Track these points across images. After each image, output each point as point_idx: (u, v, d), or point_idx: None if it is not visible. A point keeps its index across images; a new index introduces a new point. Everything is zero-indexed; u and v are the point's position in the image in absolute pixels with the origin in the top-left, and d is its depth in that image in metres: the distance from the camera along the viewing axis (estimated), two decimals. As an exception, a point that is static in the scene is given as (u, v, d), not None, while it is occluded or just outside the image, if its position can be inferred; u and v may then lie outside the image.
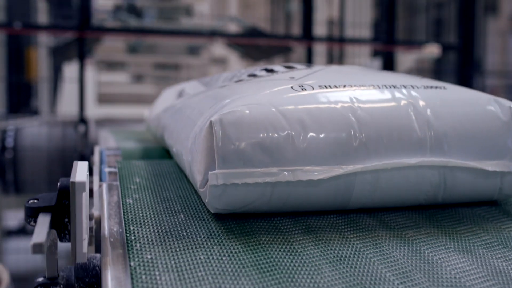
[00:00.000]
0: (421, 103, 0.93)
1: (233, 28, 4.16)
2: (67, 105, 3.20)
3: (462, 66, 3.28)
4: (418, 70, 3.85)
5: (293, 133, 0.84)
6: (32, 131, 2.88)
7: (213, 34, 2.97)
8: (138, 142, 1.62)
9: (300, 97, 0.88)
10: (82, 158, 2.45)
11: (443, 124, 0.92)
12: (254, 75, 1.04)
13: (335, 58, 4.29)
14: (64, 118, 4.11)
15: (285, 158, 0.83)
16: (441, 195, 0.94)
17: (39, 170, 2.80)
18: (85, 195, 0.72)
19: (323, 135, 0.85)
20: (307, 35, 3.01)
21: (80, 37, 2.73)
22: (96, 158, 1.27)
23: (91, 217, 0.91)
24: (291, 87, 0.91)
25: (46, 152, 2.81)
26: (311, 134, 0.84)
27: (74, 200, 0.70)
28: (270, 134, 0.83)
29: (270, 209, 0.86)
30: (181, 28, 2.93)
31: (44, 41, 5.92)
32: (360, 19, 3.79)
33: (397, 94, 0.94)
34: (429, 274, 0.75)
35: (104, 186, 0.97)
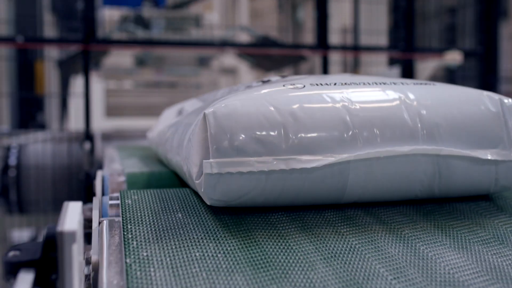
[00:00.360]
0: (411, 96, 0.96)
1: (243, 37, 4.04)
2: (76, 119, 3.07)
3: (485, 73, 3.13)
4: (432, 78, 3.71)
5: (285, 123, 0.86)
6: (36, 148, 2.76)
7: (223, 44, 2.84)
8: (143, 162, 1.54)
9: (291, 92, 0.92)
10: (88, 177, 2.32)
11: (434, 115, 0.94)
12: (249, 86, 1.08)
13: (349, 67, 4.15)
14: (70, 133, 3.99)
15: (278, 147, 0.85)
16: (436, 186, 0.95)
17: (44, 190, 2.67)
18: (77, 246, 0.58)
19: (315, 125, 0.87)
20: (322, 44, 2.87)
21: (84, 50, 2.61)
22: (98, 185, 1.13)
23: (87, 262, 0.78)
24: (283, 85, 0.95)
25: (50, 170, 2.68)
26: (303, 124, 0.86)
27: (63, 253, 0.56)
28: (263, 125, 0.85)
29: (266, 200, 0.87)
30: (190, 39, 2.80)
31: (52, 54, 5.83)
32: (376, 26, 3.64)
33: (387, 88, 0.97)
34: (423, 270, 0.75)
35: (105, 223, 0.84)
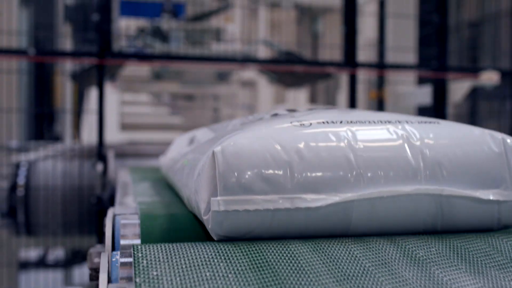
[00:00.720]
0: (415, 135, 0.99)
1: (264, 52, 3.88)
2: (89, 132, 2.92)
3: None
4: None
5: (291, 162, 0.89)
6: (46, 166, 2.62)
7: (246, 60, 2.68)
8: (159, 193, 1.41)
9: (298, 130, 0.95)
10: (100, 201, 2.17)
11: (437, 155, 0.97)
12: (260, 119, 1.12)
13: (372, 85, 3.98)
14: (82, 148, 3.85)
15: (283, 186, 0.88)
16: (439, 224, 0.97)
17: (53, 211, 2.52)
18: None
19: (320, 164, 0.90)
20: (351, 62, 2.71)
21: (99, 64, 2.47)
22: (108, 230, 0.97)
23: None
24: (291, 122, 0.98)
25: (61, 191, 2.53)
26: (308, 163, 0.89)
27: None
28: (269, 163, 0.88)
29: (272, 236, 0.90)
30: (211, 54, 2.65)
31: (66, 66, 5.73)
32: (403, 42, 3.47)
33: (391, 128, 1.00)
34: (438, 295, 0.71)
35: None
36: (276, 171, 0.88)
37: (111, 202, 2.13)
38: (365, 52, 4.35)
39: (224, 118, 5.59)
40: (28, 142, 6.57)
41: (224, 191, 0.86)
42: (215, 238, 0.88)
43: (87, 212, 2.49)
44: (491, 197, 0.97)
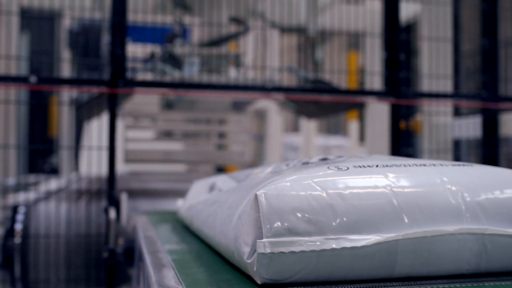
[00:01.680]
0: (452, 177, 1.01)
1: (284, 79, 3.57)
2: (89, 166, 2.59)
3: None
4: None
5: (334, 204, 0.91)
6: (48, 209, 2.27)
7: (275, 89, 2.37)
8: (194, 250, 1.20)
9: (337, 175, 0.97)
10: (113, 254, 1.82)
11: (476, 196, 0.99)
12: (292, 167, 1.18)
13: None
14: (90, 182, 3.51)
15: (328, 227, 0.90)
16: (483, 264, 0.98)
17: (55, 265, 2.17)
18: None
19: (363, 206, 0.92)
20: (393, 91, 2.40)
21: (111, 93, 2.15)
22: None
23: None
24: (327, 167, 1.01)
25: (64, 239, 2.19)
26: (351, 205, 0.92)
27: None
28: (312, 206, 0.90)
29: (317, 278, 0.90)
30: (232, 83, 2.33)
31: (66, 95, 5.41)
32: (439, 69, 3.16)
33: (429, 170, 1.03)
34: None
35: None
36: (319, 213, 0.90)
37: (127, 256, 1.79)
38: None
39: (230, 149, 5.27)
40: (25, 178, 6.23)
41: (269, 233, 0.87)
42: (259, 282, 0.88)
43: (95, 266, 2.15)
44: None
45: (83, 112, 3.01)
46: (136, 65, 4.31)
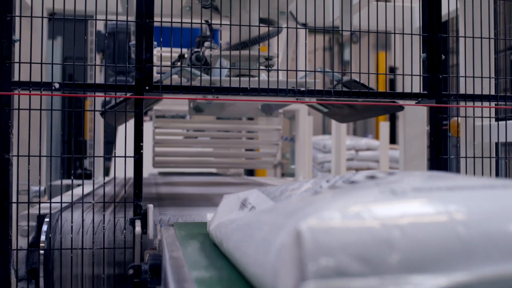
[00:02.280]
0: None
1: (314, 81, 3.44)
2: (121, 169, 2.51)
3: None
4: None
5: (391, 239, 0.74)
6: (76, 220, 2.20)
7: (308, 92, 2.26)
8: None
9: (392, 200, 0.81)
10: (138, 271, 1.73)
11: None
12: (333, 187, 1.03)
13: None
14: (119, 193, 3.44)
15: (384, 266, 0.72)
16: None
17: (80, 279, 2.09)
18: None
19: (425, 240, 0.74)
20: (434, 94, 2.26)
21: (137, 98, 2.06)
22: None
23: None
24: (378, 190, 0.86)
25: (88, 256, 2.11)
26: (412, 240, 0.74)
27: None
28: (366, 241, 0.73)
29: None
30: (262, 87, 2.23)
31: (99, 99, 5.38)
32: (481, 71, 2.99)
33: (501, 194, 0.84)
34: None
35: None
36: (374, 249, 0.73)
37: (153, 273, 1.69)
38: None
39: (261, 150, 5.17)
40: (57, 184, 6.22)
41: (315, 275, 0.72)
42: None
43: (123, 280, 2.06)
44: None
45: (109, 117, 2.93)
46: (163, 70, 4.24)
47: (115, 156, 2.17)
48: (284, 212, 0.91)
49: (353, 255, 0.73)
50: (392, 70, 11.66)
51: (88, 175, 6.97)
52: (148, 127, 4.83)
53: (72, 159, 2.50)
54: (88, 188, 3.46)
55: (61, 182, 2.20)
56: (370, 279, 0.72)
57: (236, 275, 1.08)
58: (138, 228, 1.85)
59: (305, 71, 2.41)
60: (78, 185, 4.04)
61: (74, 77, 2.15)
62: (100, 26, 5.81)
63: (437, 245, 0.75)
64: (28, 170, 2.03)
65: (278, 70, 2.42)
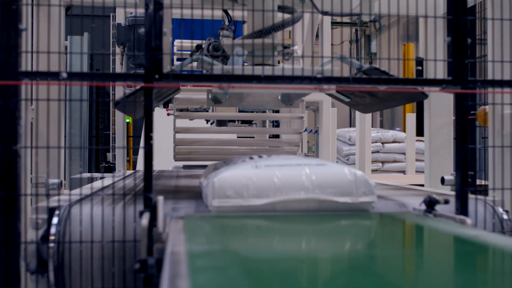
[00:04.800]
0: (309, 170, 2.10)
1: (334, 70, 3.32)
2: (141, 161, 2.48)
3: None
4: None
5: (246, 183, 2.02)
6: (87, 212, 2.14)
7: (326, 79, 2.16)
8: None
9: (251, 169, 2.10)
10: (144, 266, 1.66)
11: (318, 179, 2.08)
12: (243, 160, 2.32)
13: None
14: (135, 180, 3.40)
15: (243, 194, 2.01)
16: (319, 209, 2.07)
17: (92, 273, 2.04)
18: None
19: (260, 184, 2.05)
20: (459, 80, 2.13)
21: (147, 87, 1.99)
22: None
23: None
24: (250, 165, 2.13)
25: (100, 245, 2.05)
26: (254, 183, 2.03)
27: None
28: (236, 183, 2.03)
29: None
30: (278, 74, 2.13)
31: (120, 90, 5.34)
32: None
33: (298, 165, 2.13)
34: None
35: None
36: (240, 187, 2.03)
37: (159, 268, 1.62)
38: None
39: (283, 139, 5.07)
40: (76, 177, 6.22)
41: (218, 197, 2.03)
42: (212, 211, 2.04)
43: (133, 274, 2.00)
44: (347, 201, 2.09)
45: (123, 108, 2.86)
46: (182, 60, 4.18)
47: (128, 148, 2.10)
48: (215, 172, 2.27)
49: (232, 189, 2.00)
50: (421, 61, 11.42)
51: (112, 169, 6.96)
52: (171, 120, 4.77)
53: (93, 152, 2.44)
54: (109, 181, 3.42)
55: (80, 174, 2.14)
56: (237, 199, 1.99)
57: (234, 273, 1.03)
58: (144, 221, 1.78)
59: (321, 57, 2.31)
60: (101, 178, 4.01)
61: (93, 69, 2.08)
62: (121, 19, 5.77)
63: (265, 186, 2.01)
64: (47, 162, 1.98)
65: (293, 56, 2.31)
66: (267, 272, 1.14)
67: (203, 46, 3.37)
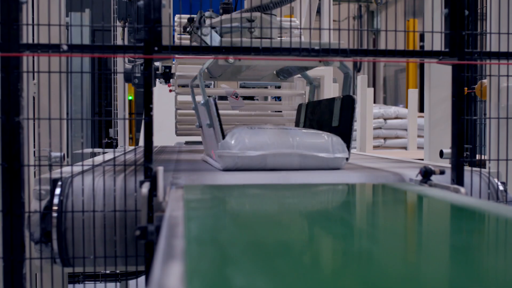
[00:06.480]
0: (294, 132, 2.54)
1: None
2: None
3: None
4: None
5: (244, 142, 2.45)
6: (89, 183, 2.18)
7: (324, 51, 2.18)
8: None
9: (249, 129, 2.52)
10: (144, 233, 1.71)
11: (303, 141, 2.49)
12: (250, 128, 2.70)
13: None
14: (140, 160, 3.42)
15: (244, 147, 2.42)
16: (302, 167, 2.49)
17: (93, 242, 2.09)
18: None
19: (256, 140, 2.46)
20: (456, 52, 2.15)
21: (146, 59, 2.02)
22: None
23: None
24: (247, 128, 2.53)
25: (101, 215, 2.10)
26: (251, 141, 2.44)
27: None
28: (238, 142, 2.44)
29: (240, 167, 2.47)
30: (284, 46, 2.15)
31: (120, 63, 5.35)
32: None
33: (286, 128, 2.60)
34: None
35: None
36: (241, 143, 2.44)
37: (159, 233, 1.66)
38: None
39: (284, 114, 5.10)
40: (85, 153, 6.26)
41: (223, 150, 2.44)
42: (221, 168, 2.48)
43: (134, 243, 2.05)
44: (325, 156, 2.49)
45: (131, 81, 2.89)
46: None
47: (130, 118, 2.13)
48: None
49: (238, 147, 2.41)
50: (423, 37, 11.37)
51: (115, 145, 6.98)
52: (173, 97, 4.78)
53: (96, 128, 2.47)
54: (110, 155, 3.46)
55: (82, 148, 2.17)
56: (237, 151, 2.41)
57: (228, 234, 1.07)
58: (144, 190, 1.82)
59: (320, 29, 2.32)
60: (104, 153, 4.04)
61: (94, 41, 2.10)
62: (122, -7, 5.74)
63: (262, 142, 2.44)
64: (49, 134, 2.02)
65: (291, 29, 2.33)
66: (255, 222, 1.22)
67: (195, 19, 3.37)
